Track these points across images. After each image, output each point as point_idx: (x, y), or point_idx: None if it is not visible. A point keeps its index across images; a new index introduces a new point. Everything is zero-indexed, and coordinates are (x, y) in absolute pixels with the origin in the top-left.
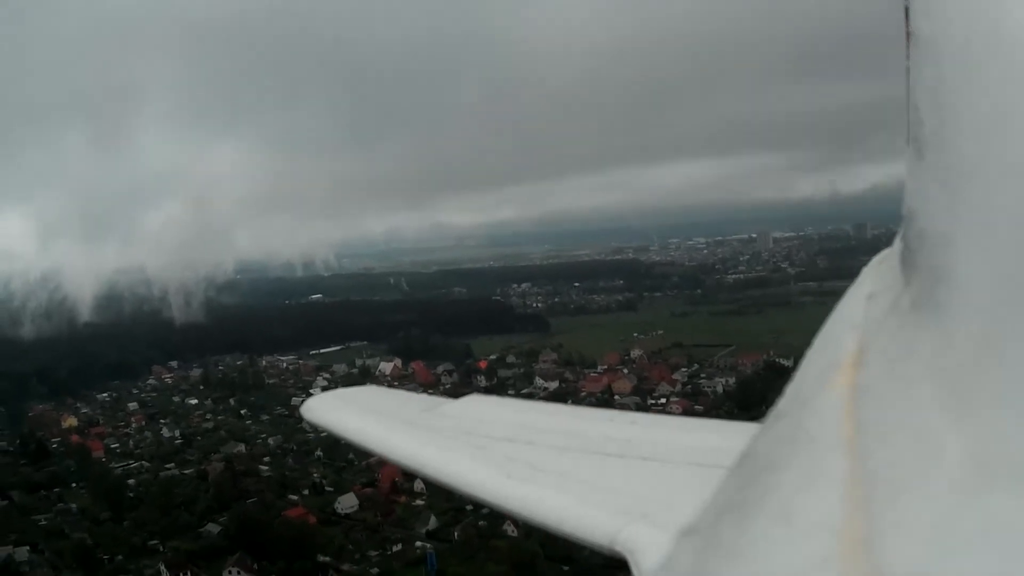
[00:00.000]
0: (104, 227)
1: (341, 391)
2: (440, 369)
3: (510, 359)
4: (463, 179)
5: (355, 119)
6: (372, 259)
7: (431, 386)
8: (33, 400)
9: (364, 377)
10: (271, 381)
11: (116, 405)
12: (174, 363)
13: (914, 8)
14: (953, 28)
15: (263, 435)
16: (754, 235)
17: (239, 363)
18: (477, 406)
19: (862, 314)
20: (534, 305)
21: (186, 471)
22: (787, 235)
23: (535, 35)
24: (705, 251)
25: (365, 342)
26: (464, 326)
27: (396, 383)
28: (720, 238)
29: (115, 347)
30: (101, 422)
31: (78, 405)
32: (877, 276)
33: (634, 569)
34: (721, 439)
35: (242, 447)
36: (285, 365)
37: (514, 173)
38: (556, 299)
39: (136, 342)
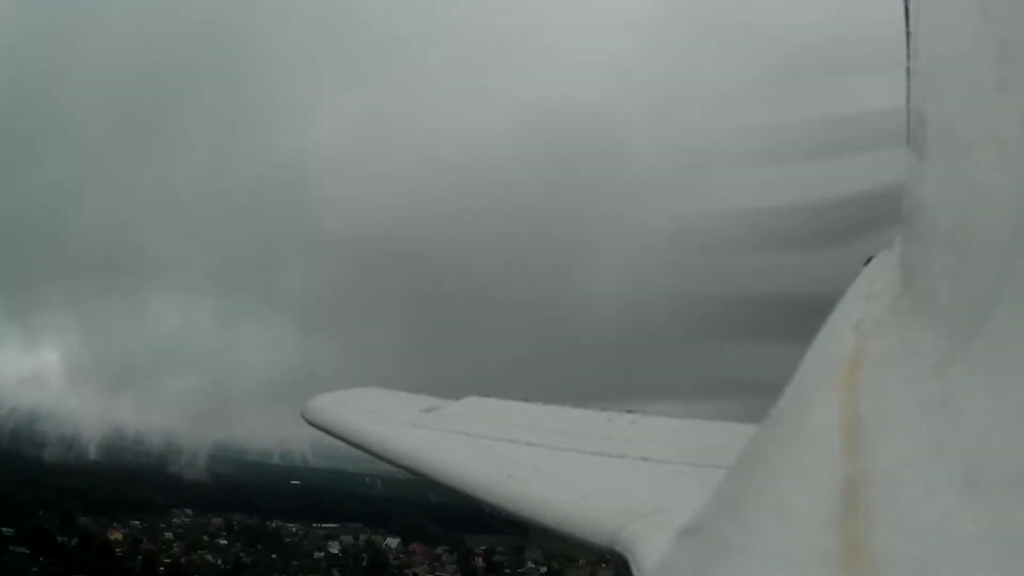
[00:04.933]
0: (121, 380)
1: (341, 392)
2: (439, 550)
3: (498, 549)
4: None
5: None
6: (344, 461)
7: (435, 560)
8: (73, 513)
9: (369, 548)
10: (288, 539)
11: (152, 532)
12: (189, 511)
13: (914, 8)
14: (953, 28)
15: (301, 574)
16: None
17: (250, 521)
18: (477, 407)
19: (862, 314)
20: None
21: None
22: None
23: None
24: None
25: (360, 524)
26: (448, 524)
27: (400, 557)
28: None
29: (132, 484)
30: (145, 542)
31: (115, 525)
32: (877, 276)
33: (634, 569)
34: (721, 439)
35: None
36: (295, 530)
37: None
38: None
39: (146, 486)
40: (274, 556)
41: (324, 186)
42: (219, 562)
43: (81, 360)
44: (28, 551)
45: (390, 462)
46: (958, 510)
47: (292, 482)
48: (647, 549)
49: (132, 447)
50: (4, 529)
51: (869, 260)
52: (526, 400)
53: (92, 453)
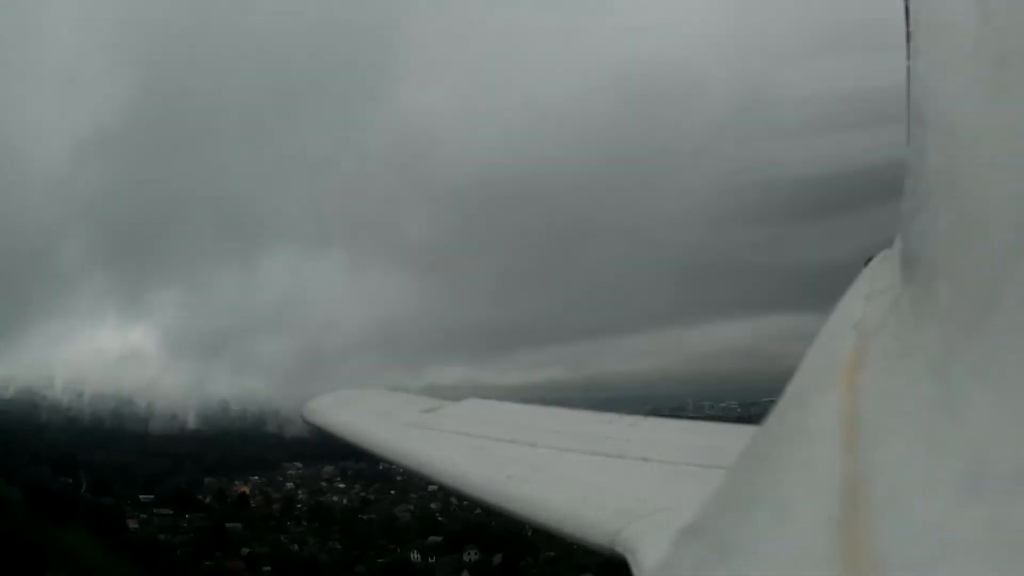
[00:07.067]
0: (210, 349)
1: (343, 392)
2: None
3: None
4: (505, 339)
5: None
6: None
7: None
8: (197, 475)
9: None
10: (399, 478)
11: (274, 485)
12: (298, 463)
13: (914, 8)
14: (953, 28)
15: (424, 503)
16: None
17: (359, 466)
18: (477, 408)
19: (862, 314)
20: None
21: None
22: None
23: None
24: (739, 410)
25: None
26: None
27: None
28: (753, 401)
29: (240, 446)
30: (272, 493)
31: (237, 482)
32: (877, 276)
33: (634, 569)
34: (721, 439)
35: (410, 507)
36: (402, 470)
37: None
38: None
39: (252, 447)
40: (393, 492)
41: (403, 144)
42: (345, 502)
43: (169, 334)
44: (171, 511)
45: (390, 462)
46: (958, 510)
47: None
48: (647, 549)
49: (228, 413)
50: (142, 496)
51: (869, 260)
52: (525, 402)
53: (192, 423)
